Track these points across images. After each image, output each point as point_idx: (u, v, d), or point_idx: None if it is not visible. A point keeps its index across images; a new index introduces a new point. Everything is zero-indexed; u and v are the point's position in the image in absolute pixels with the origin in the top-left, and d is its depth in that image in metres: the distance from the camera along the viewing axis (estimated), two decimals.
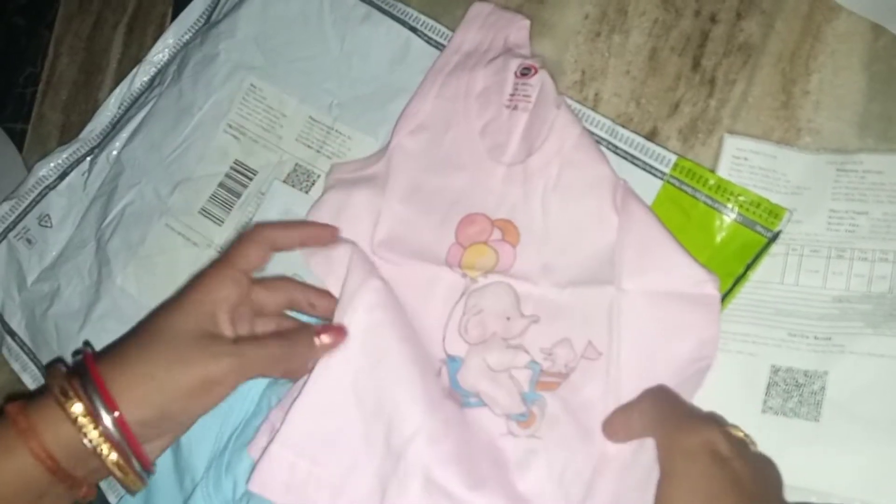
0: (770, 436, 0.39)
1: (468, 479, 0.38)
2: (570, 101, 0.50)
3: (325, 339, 0.42)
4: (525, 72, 0.48)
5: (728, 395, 0.42)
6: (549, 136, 0.47)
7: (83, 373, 0.37)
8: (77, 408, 0.36)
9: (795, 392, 0.41)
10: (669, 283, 0.42)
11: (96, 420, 0.36)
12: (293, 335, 0.43)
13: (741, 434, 0.36)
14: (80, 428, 0.35)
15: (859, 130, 0.45)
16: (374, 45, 0.56)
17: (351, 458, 0.41)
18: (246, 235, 0.44)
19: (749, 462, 0.34)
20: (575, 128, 0.46)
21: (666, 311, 0.41)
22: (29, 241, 0.61)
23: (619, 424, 0.40)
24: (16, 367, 0.59)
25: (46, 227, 0.61)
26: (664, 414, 0.38)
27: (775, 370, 0.42)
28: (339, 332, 0.42)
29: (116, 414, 0.36)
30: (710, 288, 0.41)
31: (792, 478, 0.37)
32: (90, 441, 0.35)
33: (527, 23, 0.52)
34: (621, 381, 0.41)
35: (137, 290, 0.56)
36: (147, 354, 0.38)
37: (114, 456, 0.36)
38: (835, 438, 0.39)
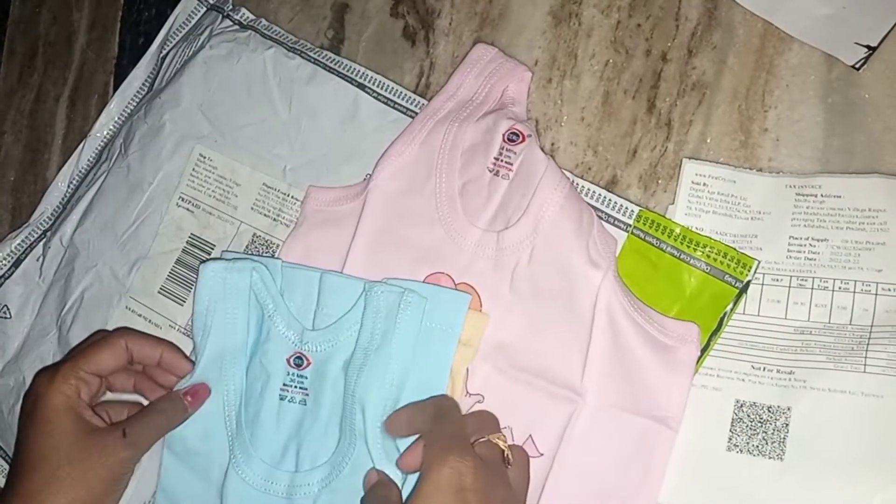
0: (736, 475, 0.40)
1: None
2: None
3: (191, 398, 0.47)
4: (513, 137, 0.47)
5: (694, 431, 0.42)
6: (526, 213, 0.45)
7: None
8: None
9: (760, 429, 0.40)
10: (635, 408, 0.42)
11: None
12: (166, 405, 0.47)
13: (499, 452, 0.39)
14: None
15: (821, 166, 0.44)
16: (322, 106, 0.54)
17: None
18: (104, 338, 0.48)
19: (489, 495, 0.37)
20: (551, 207, 0.45)
21: (623, 437, 0.42)
22: None
23: (404, 420, 0.42)
24: None
25: (5, 318, 0.60)
26: (437, 433, 0.39)
27: (739, 405, 0.41)
28: (203, 390, 0.47)
29: None
30: (671, 423, 0.42)
31: None
32: None
33: (529, 75, 0.50)
34: (565, 485, 0.41)
35: None
36: (55, 483, 0.42)
37: None
38: (799, 478, 0.39)
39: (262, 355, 0.47)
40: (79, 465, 0.42)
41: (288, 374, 0.46)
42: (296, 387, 0.46)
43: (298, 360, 0.46)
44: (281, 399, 0.46)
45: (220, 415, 0.47)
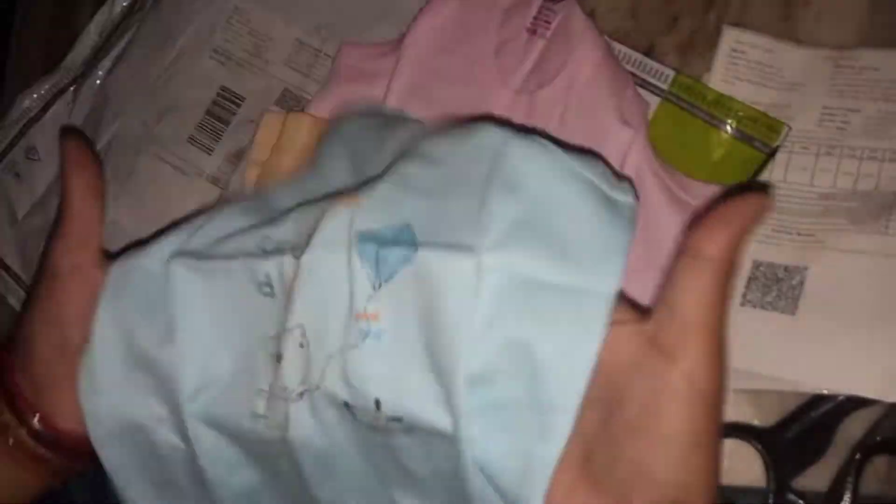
0: (746, 327, 0.41)
1: None
2: None
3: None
4: None
5: None
6: (560, 72, 0.45)
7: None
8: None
9: (774, 286, 0.41)
10: (650, 264, 0.41)
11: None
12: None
13: None
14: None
15: (862, 41, 0.44)
16: None
17: None
18: (81, 202, 0.40)
19: None
20: (587, 66, 0.45)
21: (635, 291, 0.41)
22: (17, 174, 0.60)
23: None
24: (12, 301, 0.59)
25: (34, 160, 0.60)
26: None
27: (756, 265, 0.42)
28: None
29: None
30: None
31: (764, 367, 0.40)
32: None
33: None
34: None
35: (129, 221, 0.56)
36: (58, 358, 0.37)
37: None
38: (809, 331, 0.40)
39: None
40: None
41: None
42: None
43: None
44: None
45: None
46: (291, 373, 0.32)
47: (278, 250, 0.33)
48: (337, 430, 0.32)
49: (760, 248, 0.42)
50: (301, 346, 0.32)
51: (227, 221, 0.36)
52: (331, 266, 0.31)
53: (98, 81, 0.59)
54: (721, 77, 0.44)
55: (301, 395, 0.32)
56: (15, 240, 0.59)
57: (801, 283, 0.41)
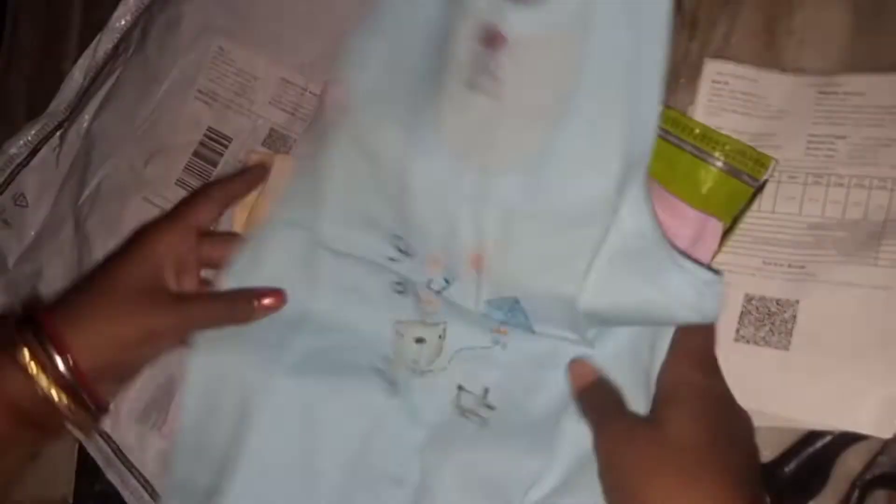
0: (741, 363, 0.41)
1: None
2: None
3: (265, 301, 0.44)
4: None
5: None
6: None
7: (33, 322, 0.38)
8: (27, 355, 0.37)
9: (767, 321, 0.42)
10: None
11: (46, 366, 0.37)
12: (234, 296, 0.45)
13: None
14: (31, 375, 0.37)
15: (845, 68, 0.44)
16: None
17: None
18: (199, 190, 0.48)
19: None
20: None
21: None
22: (6, 221, 0.60)
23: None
24: None
25: (22, 206, 0.60)
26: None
27: (748, 299, 0.42)
28: (278, 297, 0.45)
29: (68, 357, 0.37)
30: None
31: (760, 404, 0.40)
32: (42, 388, 0.37)
33: None
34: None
35: None
36: (93, 307, 0.40)
37: (64, 399, 0.37)
38: (803, 366, 0.40)
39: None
40: (122, 310, 0.41)
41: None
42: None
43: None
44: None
45: None
46: (427, 353, 0.44)
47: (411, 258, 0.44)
48: (434, 400, 0.43)
49: (752, 282, 0.42)
50: (440, 337, 0.44)
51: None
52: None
53: (84, 125, 0.59)
54: (705, 109, 0.44)
55: (423, 373, 0.44)
56: (6, 288, 0.59)
57: (794, 316, 0.41)
